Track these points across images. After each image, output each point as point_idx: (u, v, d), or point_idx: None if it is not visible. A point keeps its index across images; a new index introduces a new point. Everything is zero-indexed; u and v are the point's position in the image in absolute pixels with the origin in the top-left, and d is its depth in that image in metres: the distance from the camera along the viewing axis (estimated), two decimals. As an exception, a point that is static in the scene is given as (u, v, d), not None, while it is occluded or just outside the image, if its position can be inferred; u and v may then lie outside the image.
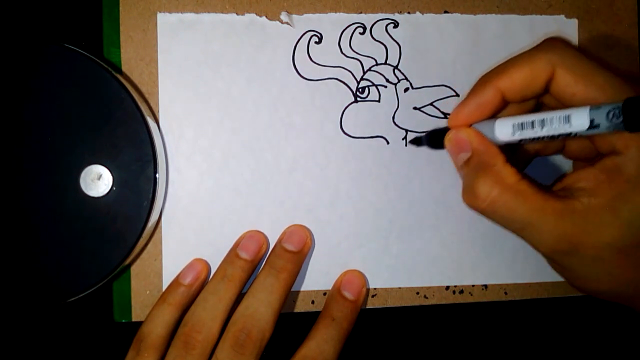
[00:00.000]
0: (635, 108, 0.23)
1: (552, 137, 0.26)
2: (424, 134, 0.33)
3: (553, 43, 0.28)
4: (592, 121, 0.25)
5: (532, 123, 0.27)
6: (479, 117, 0.29)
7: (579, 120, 0.25)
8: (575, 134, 0.26)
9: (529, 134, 0.27)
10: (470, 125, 0.29)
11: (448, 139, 0.29)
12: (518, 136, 0.27)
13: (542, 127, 0.26)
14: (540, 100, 0.29)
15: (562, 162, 0.35)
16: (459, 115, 0.29)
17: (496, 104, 0.28)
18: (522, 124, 0.27)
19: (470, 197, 0.28)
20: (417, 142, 0.33)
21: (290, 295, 0.34)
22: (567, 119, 0.25)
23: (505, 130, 0.28)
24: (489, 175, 0.27)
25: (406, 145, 0.34)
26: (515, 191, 0.27)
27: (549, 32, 0.35)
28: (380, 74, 0.34)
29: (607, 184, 0.26)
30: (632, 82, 0.26)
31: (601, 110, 0.24)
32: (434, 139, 0.31)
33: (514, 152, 0.32)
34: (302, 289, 0.34)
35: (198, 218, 0.33)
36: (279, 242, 0.33)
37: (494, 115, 0.29)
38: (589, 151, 0.30)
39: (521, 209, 0.27)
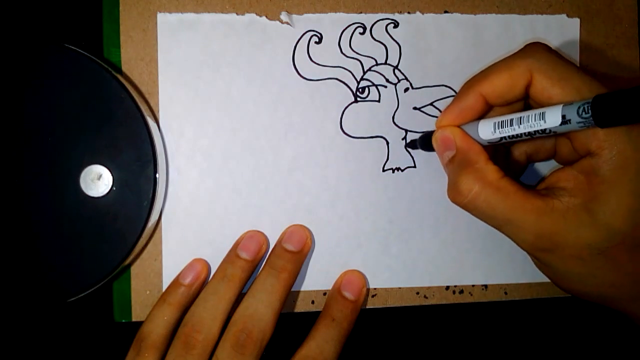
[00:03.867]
0: (604, 104, 0.24)
1: (530, 135, 0.27)
2: (419, 136, 0.34)
3: (532, 48, 0.29)
4: (563, 117, 0.26)
5: (511, 121, 0.28)
6: (463, 121, 0.30)
7: (552, 117, 0.26)
8: (550, 130, 0.27)
9: (508, 131, 0.28)
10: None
11: (435, 137, 0.30)
12: (499, 134, 0.28)
13: (520, 125, 0.27)
14: (528, 103, 0.30)
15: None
16: (445, 120, 0.30)
17: (479, 108, 0.29)
18: (501, 122, 0.28)
19: (453, 192, 0.29)
20: (412, 145, 0.34)
21: (290, 295, 0.34)
22: (542, 116, 0.27)
23: (487, 129, 0.29)
24: (472, 172, 0.28)
25: (406, 145, 0.34)
26: (496, 188, 0.27)
27: (550, 32, 0.35)
28: (380, 74, 0.34)
29: (585, 185, 0.27)
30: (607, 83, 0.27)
31: (572, 107, 0.25)
32: (427, 141, 0.32)
33: (507, 159, 0.33)
34: (302, 289, 0.34)
35: (198, 218, 0.33)
36: (279, 242, 0.33)
37: (480, 118, 0.30)
38: (577, 156, 0.30)
39: (501, 206, 0.27)
